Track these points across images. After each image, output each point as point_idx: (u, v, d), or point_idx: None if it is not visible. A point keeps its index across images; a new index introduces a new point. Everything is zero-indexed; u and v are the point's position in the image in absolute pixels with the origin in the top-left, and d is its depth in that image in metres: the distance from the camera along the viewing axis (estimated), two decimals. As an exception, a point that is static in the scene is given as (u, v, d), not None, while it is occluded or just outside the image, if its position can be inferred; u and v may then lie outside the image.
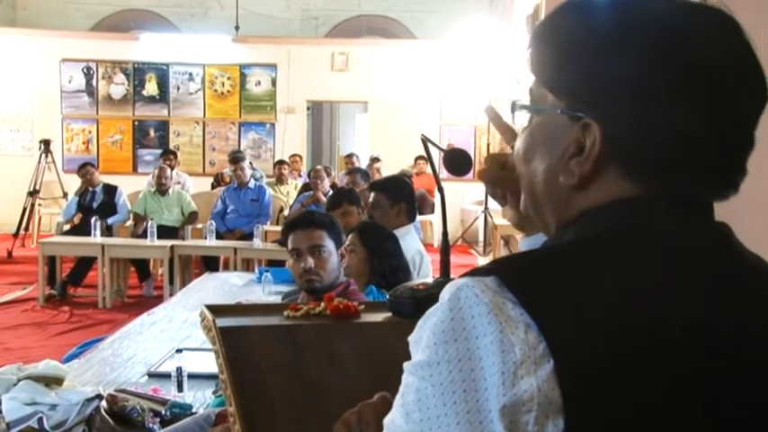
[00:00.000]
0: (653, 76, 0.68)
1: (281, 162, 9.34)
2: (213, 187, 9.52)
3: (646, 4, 0.73)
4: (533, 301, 0.63)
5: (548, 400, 0.60)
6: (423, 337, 0.66)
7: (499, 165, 1.03)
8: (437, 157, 1.30)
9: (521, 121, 0.80)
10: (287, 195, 8.52)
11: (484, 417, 0.61)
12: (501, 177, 1.02)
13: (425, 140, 1.28)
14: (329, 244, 2.65)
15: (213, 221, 6.93)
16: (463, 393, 0.62)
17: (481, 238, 9.79)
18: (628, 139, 0.69)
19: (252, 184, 7.48)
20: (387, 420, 0.68)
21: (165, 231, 6.86)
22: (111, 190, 7.53)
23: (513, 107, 0.80)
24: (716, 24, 0.71)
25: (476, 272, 0.67)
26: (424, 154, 1.32)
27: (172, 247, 6.53)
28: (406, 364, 0.67)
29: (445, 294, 0.66)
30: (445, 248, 1.30)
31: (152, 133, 11.26)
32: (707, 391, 0.64)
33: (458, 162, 1.21)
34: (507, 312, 0.63)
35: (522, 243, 1.10)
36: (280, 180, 8.85)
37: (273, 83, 11.20)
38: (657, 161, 0.69)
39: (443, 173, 1.28)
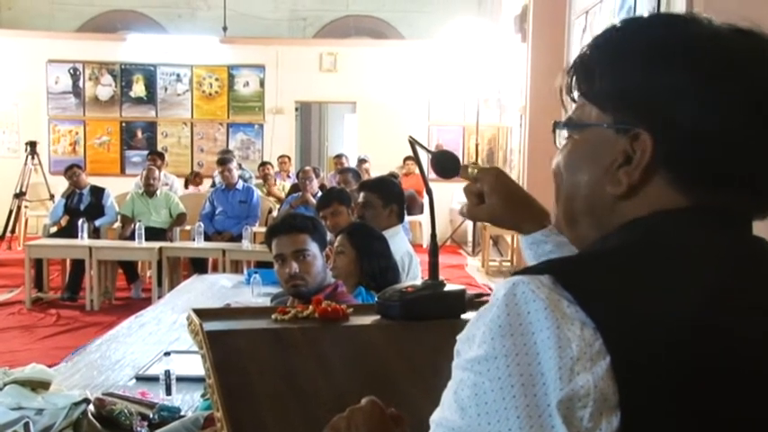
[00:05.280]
0: (704, 88, 0.71)
1: (264, 164, 9.36)
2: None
3: (693, 22, 0.76)
4: (588, 300, 0.65)
5: (603, 397, 0.62)
6: (476, 335, 0.67)
7: (476, 197, 1.15)
8: (425, 158, 1.29)
9: (560, 139, 0.82)
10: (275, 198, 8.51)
11: (542, 411, 0.62)
12: (478, 212, 1.16)
13: (413, 142, 1.28)
14: (313, 247, 2.64)
15: (201, 223, 6.90)
16: (522, 387, 0.63)
17: (470, 238, 9.80)
18: (676, 148, 0.72)
19: (240, 185, 7.45)
20: (435, 418, 0.68)
21: (152, 233, 6.82)
22: (98, 192, 7.48)
23: (556, 126, 0.82)
24: (761, 45, 0.74)
25: (530, 270, 0.69)
26: (412, 155, 1.32)
27: (160, 249, 6.50)
28: (458, 361, 0.68)
29: (500, 290, 0.67)
30: (434, 250, 1.30)
31: (140, 134, 11.21)
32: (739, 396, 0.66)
33: (445, 165, 1.21)
34: (563, 309, 0.64)
35: (524, 240, 1.19)
36: (266, 181, 8.83)
37: (261, 84, 11.17)
38: (703, 171, 0.72)
39: (432, 174, 1.27)
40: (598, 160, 0.76)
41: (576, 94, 0.80)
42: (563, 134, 0.82)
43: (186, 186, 9.68)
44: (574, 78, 0.80)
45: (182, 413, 2.37)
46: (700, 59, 0.72)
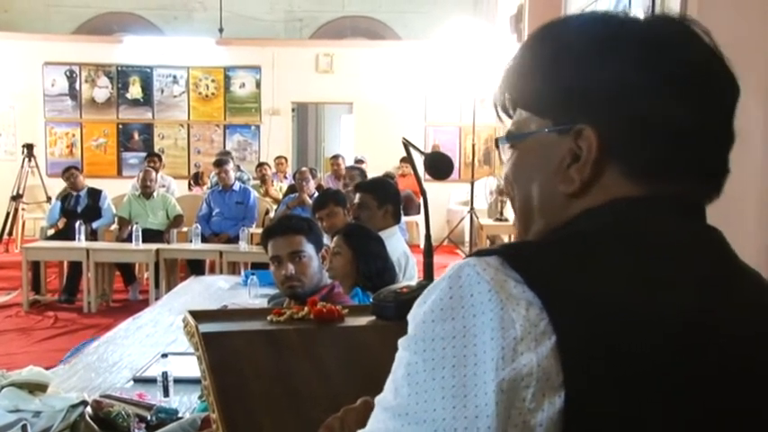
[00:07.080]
0: (641, 75, 0.71)
1: (261, 165, 9.37)
2: (190, 187, 9.49)
3: (619, 16, 0.76)
4: (536, 280, 0.64)
5: (546, 377, 0.61)
6: (418, 314, 0.66)
7: None
8: (420, 160, 1.30)
9: (504, 152, 0.81)
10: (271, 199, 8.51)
11: (469, 391, 0.61)
12: None
13: (407, 144, 1.28)
14: (309, 248, 2.65)
15: (198, 225, 6.90)
16: (452, 369, 0.62)
17: (467, 238, 9.80)
18: (623, 138, 0.71)
19: (237, 186, 7.45)
20: (378, 399, 0.68)
21: (150, 235, 6.82)
22: (95, 194, 7.48)
23: (498, 143, 0.81)
24: (688, 31, 0.75)
25: (479, 252, 0.68)
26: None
27: (157, 251, 6.50)
28: (400, 340, 0.68)
29: (447, 272, 0.67)
30: (428, 251, 1.30)
31: (136, 136, 11.20)
32: (692, 390, 0.65)
33: (438, 166, 1.21)
34: (509, 290, 0.63)
35: None
36: (263, 182, 8.83)
37: (258, 85, 11.17)
38: (653, 160, 0.72)
39: (427, 175, 1.28)
40: (546, 165, 0.75)
41: (509, 105, 0.79)
42: (506, 147, 0.80)
43: (190, 188, 9.66)
44: (506, 91, 0.79)
45: (179, 415, 2.37)
46: (636, 49, 0.72)
